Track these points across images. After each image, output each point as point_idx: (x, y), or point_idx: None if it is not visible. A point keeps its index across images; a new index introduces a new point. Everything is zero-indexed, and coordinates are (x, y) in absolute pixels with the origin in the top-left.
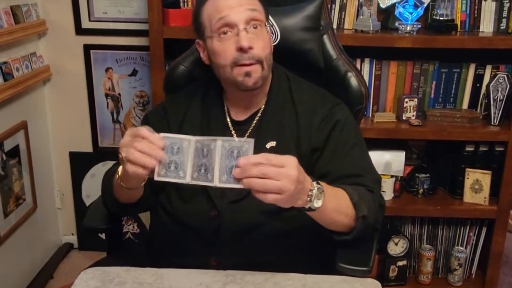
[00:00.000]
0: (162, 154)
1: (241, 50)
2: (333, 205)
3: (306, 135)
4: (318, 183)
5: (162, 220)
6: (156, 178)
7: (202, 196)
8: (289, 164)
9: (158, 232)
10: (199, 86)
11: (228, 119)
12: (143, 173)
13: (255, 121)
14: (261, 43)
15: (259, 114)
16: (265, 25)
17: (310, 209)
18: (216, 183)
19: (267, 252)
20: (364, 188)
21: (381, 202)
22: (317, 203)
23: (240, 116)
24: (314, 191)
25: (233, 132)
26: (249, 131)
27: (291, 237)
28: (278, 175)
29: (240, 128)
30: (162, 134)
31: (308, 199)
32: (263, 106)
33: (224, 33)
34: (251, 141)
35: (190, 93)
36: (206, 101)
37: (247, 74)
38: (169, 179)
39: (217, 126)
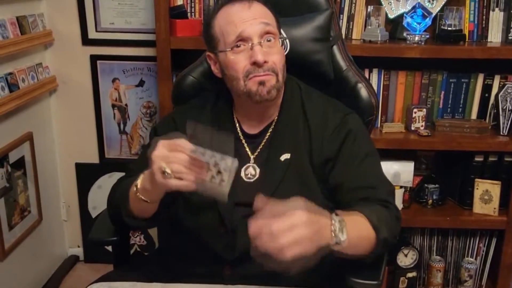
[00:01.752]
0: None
1: (255, 63)
2: (356, 232)
3: (319, 146)
4: (336, 214)
5: (172, 233)
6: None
7: (211, 210)
8: (296, 210)
9: (169, 244)
10: (208, 97)
11: (240, 132)
12: (187, 184)
13: (268, 134)
14: (275, 56)
15: (272, 127)
16: (279, 37)
17: (337, 243)
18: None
19: None
20: (379, 206)
21: (397, 214)
22: (343, 236)
23: (253, 129)
24: (335, 224)
25: (245, 145)
26: (262, 144)
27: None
28: (288, 228)
29: (253, 141)
30: (192, 147)
31: (333, 234)
32: (276, 118)
33: (238, 46)
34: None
35: (199, 104)
36: (216, 113)
37: (261, 83)
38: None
39: None
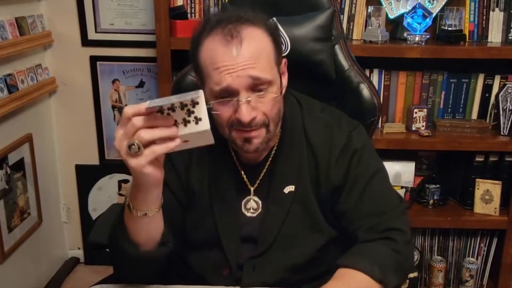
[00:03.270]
0: (167, 119)
1: (241, 123)
2: None
3: (325, 174)
4: None
5: (174, 268)
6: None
7: (215, 249)
8: None
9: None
10: None
11: (237, 162)
12: (165, 146)
13: (268, 163)
14: (267, 106)
15: (272, 154)
16: (277, 74)
17: None
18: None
19: None
20: (383, 246)
21: (406, 239)
22: None
23: (251, 159)
24: None
25: (244, 176)
26: (263, 174)
27: (315, 282)
28: None
29: (252, 171)
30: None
31: None
32: (276, 145)
33: (223, 97)
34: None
35: None
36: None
37: (247, 140)
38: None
39: (226, 169)
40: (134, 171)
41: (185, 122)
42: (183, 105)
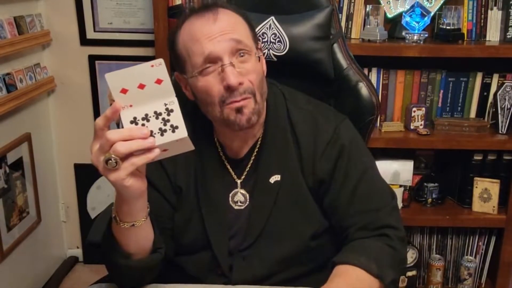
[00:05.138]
0: (144, 130)
1: (229, 88)
2: None
3: (310, 165)
4: None
5: (167, 270)
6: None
7: (204, 250)
8: None
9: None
10: (186, 114)
11: (223, 156)
12: (144, 157)
13: (253, 155)
14: (251, 74)
15: (257, 147)
16: (255, 50)
17: None
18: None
19: None
20: (379, 242)
21: (401, 235)
22: None
23: (237, 153)
24: None
25: (230, 170)
26: (249, 166)
27: (304, 278)
28: None
29: (238, 165)
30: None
31: None
32: (260, 137)
33: (207, 68)
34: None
35: None
36: (196, 137)
37: (239, 111)
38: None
39: (212, 165)
40: (115, 185)
41: (162, 132)
42: (157, 114)
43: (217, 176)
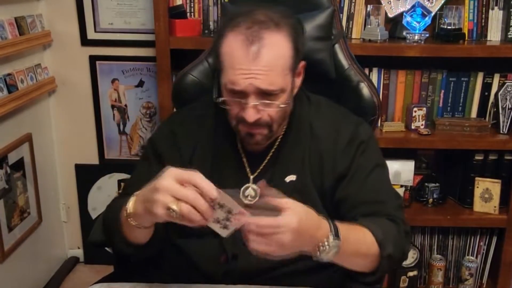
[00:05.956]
0: (211, 214)
1: (244, 120)
2: (352, 250)
3: (330, 161)
4: (336, 236)
5: (168, 254)
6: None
7: (210, 237)
8: (289, 214)
9: (163, 263)
10: (209, 105)
11: (241, 149)
12: (200, 223)
13: (271, 152)
14: (271, 110)
15: (276, 144)
16: (290, 82)
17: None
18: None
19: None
20: (388, 221)
21: (406, 229)
22: (326, 257)
23: (255, 147)
24: (326, 246)
25: (246, 164)
26: (264, 163)
27: (309, 274)
28: (273, 229)
29: (254, 159)
30: (216, 190)
31: (317, 252)
32: (281, 135)
33: (234, 92)
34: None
35: (199, 113)
36: (217, 127)
37: (250, 134)
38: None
39: (229, 157)
40: (153, 215)
41: (217, 221)
42: (228, 211)
43: (231, 167)
